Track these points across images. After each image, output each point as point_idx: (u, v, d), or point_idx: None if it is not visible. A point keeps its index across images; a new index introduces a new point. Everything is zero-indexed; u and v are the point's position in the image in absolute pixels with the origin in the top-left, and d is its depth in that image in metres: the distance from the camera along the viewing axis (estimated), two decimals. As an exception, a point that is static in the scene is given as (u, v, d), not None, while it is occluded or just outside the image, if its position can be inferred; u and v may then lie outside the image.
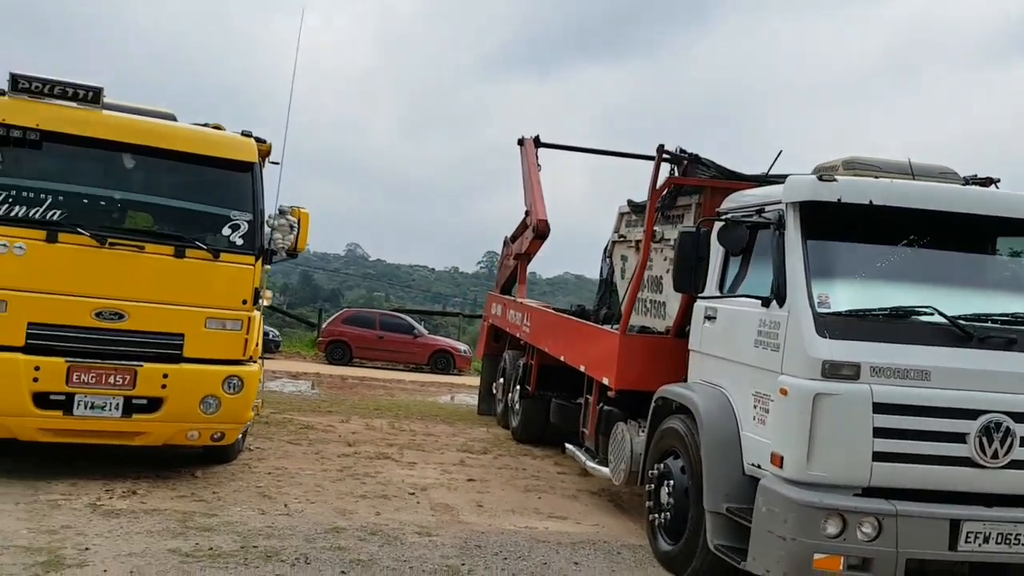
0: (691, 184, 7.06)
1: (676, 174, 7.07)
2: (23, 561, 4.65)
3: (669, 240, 7.26)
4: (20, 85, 6.16)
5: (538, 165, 11.34)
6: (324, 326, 21.84)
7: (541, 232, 10.53)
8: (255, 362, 6.94)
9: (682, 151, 7.01)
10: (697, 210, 6.95)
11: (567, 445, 8.25)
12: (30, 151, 6.18)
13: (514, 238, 11.94)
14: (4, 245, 6.00)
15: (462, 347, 21.73)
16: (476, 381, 19.06)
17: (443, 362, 21.08)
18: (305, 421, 10.20)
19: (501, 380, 11.57)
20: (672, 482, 5.74)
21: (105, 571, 4.64)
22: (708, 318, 5.83)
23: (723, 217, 5.86)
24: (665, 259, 7.41)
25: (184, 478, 6.81)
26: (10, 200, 6.09)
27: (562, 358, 8.39)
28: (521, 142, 11.74)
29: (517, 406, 10.43)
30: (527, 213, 11.40)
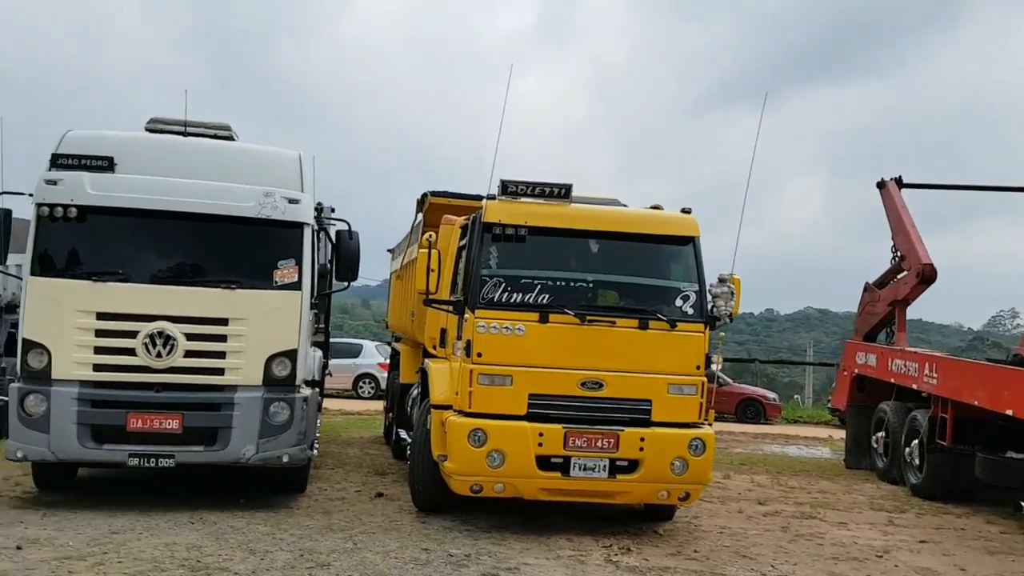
0: None
1: None
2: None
3: None
4: (508, 189, 7.14)
5: (905, 206, 10.98)
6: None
7: (927, 277, 10.15)
8: (710, 425, 7.31)
9: None
10: None
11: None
12: (519, 245, 7.11)
13: (881, 284, 11.57)
14: (508, 328, 6.92)
15: (771, 395, 21.17)
16: (790, 431, 18.50)
17: (752, 411, 20.65)
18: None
19: (882, 433, 11.13)
20: None
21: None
22: None
23: None
24: None
25: (651, 535, 7.29)
26: (508, 289, 7.03)
27: (1010, 412, 7.90)
28: (882, 185, 11.44)
29: (917, 461, 9.95)
30: (899, 257, 11.01)
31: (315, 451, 8.40)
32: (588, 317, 6.97)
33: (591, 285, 7.35)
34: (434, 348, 8.13)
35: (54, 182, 7.05)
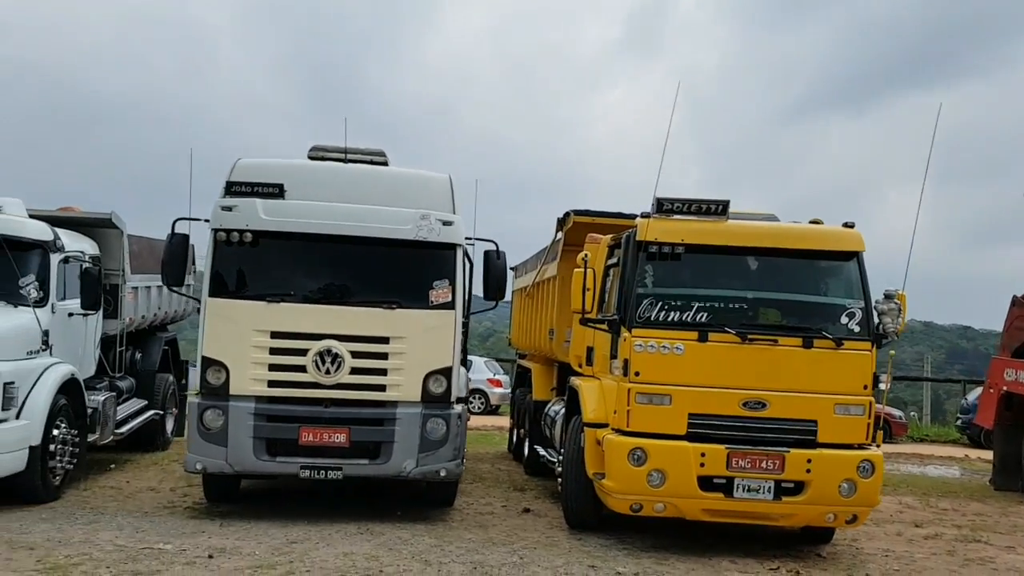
0: None
1: None
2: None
3: None
4: (664, 207, 7.14)
5: None
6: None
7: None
8: (878, 446, 7.09)
9: None
10: None
11: None
12: (676, 263, 7.09)
13: (1033, 298, 10.98)
14: (666, 347, 6.91)
15: (897, 413, 20.31)
16: (921, 449, 17.65)
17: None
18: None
19: (1041, 454, 10.53)
20: None
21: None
22: None
23: None
24: None
25: (814, 558, 7.11)
26: (665, 307, 7.02)
27: None
28: None
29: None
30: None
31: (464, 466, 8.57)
32: (749, 336, 6.88)
33: (751, 303, 7.25)
34: (580, 366, 8.17)
35: (229, 208, 7.47)
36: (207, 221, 7.68)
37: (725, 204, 7.12)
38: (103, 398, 8.96)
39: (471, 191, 10.42)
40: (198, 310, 7.79)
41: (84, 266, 8.52)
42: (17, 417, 7.31)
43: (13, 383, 7.23)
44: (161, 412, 11.19)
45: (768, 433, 6.83)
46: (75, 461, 8.17)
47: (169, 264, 7.68)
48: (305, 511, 7.70)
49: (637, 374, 6.88)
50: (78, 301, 8.43)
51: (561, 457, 8.30)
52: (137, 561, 5.96)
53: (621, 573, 6.27)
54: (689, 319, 6.96)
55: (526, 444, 10.81)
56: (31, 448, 7.38)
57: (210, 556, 6.15)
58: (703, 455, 6.75)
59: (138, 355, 10.87)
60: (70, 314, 8.42)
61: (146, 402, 10.74)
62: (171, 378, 11.74)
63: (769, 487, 6.77)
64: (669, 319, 6.98)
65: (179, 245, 7.71)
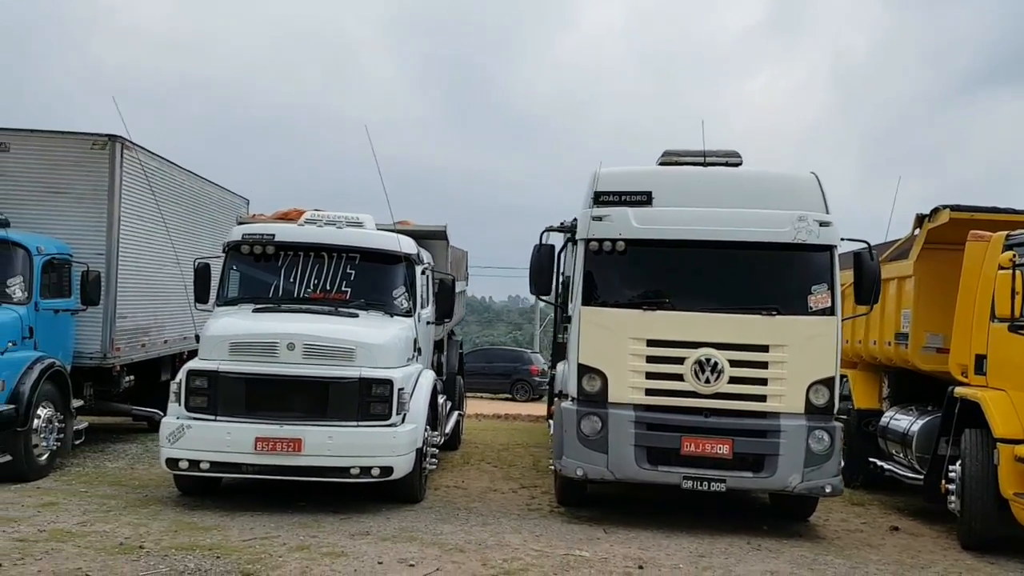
0: None
1: None
2: None
3: None
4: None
5: None
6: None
7: None
8: None
9: None
10: None
11: None
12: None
13: None
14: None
15: None
16: None
17: None
18: None
19: None
20: None
21: None
22: None
23: None
24: None
25: None
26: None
27: None
28: None
29: None
30: None
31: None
32: None
33: None
34: (963, 375, 7.58)
35: (600, 218, 7.48)
36: (565, 229, 7.78)
37: None
38: (442, 400, 9.30)
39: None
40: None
41: (441, 278, 8.86)
42: (402, 422, 7.65)
43: (404, 389, 7.58)
44: (461, 413, 11.56)
45: None
46: (435, 462, 8.49)
47: (538, 273, 7.81)
48: (671, 519, 7.59)
49: None
50: (430, 310, 8.77)
51: (916, 472, 7.76)
52: (573, 569, 6.01)
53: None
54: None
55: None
56: (416, 451, 7.71)
57: (640, 567, 6.12)
58: None
59: (443, 358, 11.28)
60: (428, 323, 8.78)
61: (451, 403, 11.12)
62: (462, 380, 12.13)
63: None
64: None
65: (546, 255, 7.82)
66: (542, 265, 7.79)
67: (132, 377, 10.83)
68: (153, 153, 10.71)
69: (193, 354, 12.30)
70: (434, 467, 8.42)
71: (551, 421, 10.12)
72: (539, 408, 20.74)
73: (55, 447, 8.65)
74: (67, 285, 9.27)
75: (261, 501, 7.62)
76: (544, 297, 8.06)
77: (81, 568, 5.51)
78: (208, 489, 7.93)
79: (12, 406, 7.95)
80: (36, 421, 8.24)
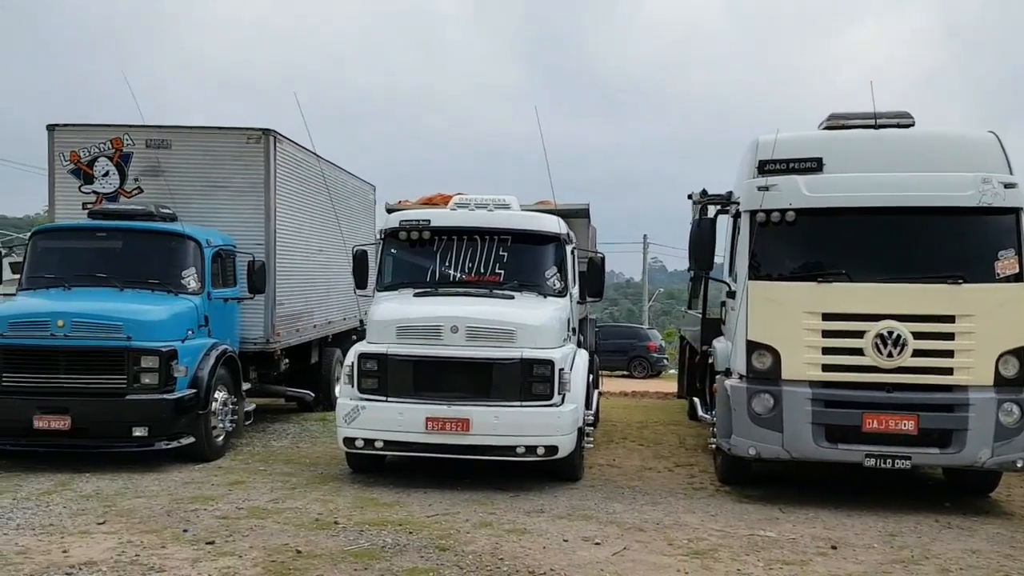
0: None
1: None
2: None
3: None
4: None
5: None
6: None
7: None
8: None
9: None
10: None
11: None
12: None
13: None
14: None
15: None
16: None
17: None
18: None
19: None
20: None
21: None
22: None
23: None
24: None
25: None
26: None
27: None
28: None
29: None
30: None
31: None
32: None
33: None
34: None
35: (767, 188, 7.23)
36: (726, 204, 7.55)
37: None
38: (590, 379, 9.28)
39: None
40: None
41: (591, 256, 8.83)
42: (563, 402, 7.68)
43: (564, 369, 7.60)
44: (600, 391, 11.55)
45: None
46: (592, 441, 8.51)
47: (698, 247, 7.65)
48: (846, 498, 7.35)
49: None
50: (576, 289, 8.75)
51: None
52: (764, 550, 5.90)
53: None
54: None
55: None
56: (578, 430, 7.74)
57: (833, 547, 5.96)
58: None
59: (581, 336, 11.26)
60: (578, 302, 8.78)
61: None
62: (597, 359, 12.10)
63: None
64: None
65: (707, 228, 7.65)
66: (703, 239, 7.62)
67: (287, 360, 11.35)
68: (300, 145, 11.08)
69: (337, 338, 12.98)
70: (591, 446, 8.43)
71: (696, 399, 9.99)
72: (660, 385, 20.55)
73: (230, 428, 9.16)
74: (232, 275, 9.75)
75: (428, 479, 7.83)
76: (704, 272, 7.88)
77: (288, 544, 5.81)
78: (375, 467, 8.22)
79: (194, 390, 8.44)
80: (214, 404, 8.72)
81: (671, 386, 18.16)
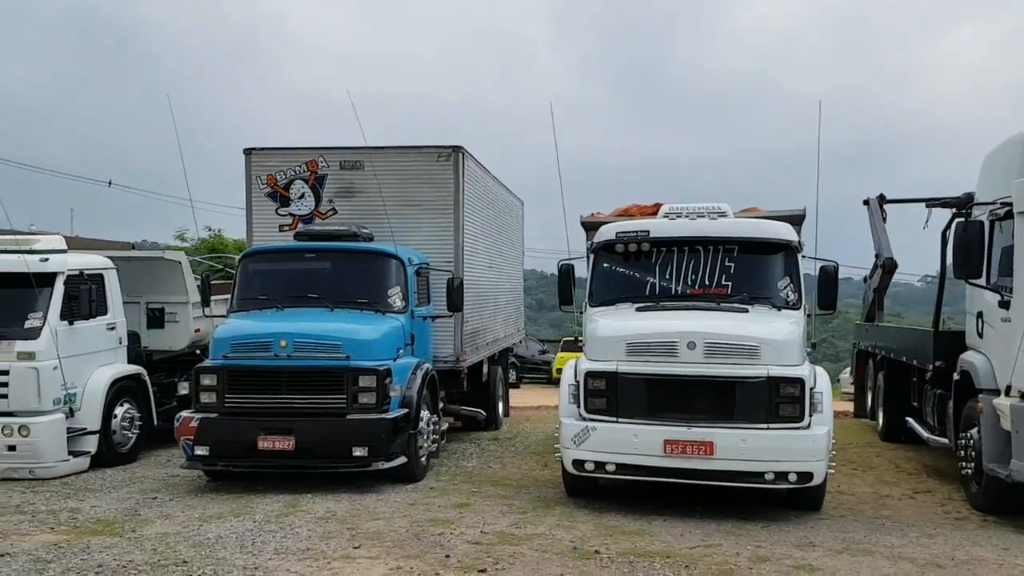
0: None
1: None
2: None
3: None
4: None
5: None
6: None
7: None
8: None
9: None
10: None
11: None
12: None
13: None
14: None
15: None
16: None
17: None
18: None
19: None
20: None
21: None
22: None
23: None
24: None
25: None
26: None
27: None
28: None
29: None
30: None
31: None
32: None
33: None
34: None
35: None
36: (962, 207, 6.89)
37: None
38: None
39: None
40: None
41: (823, 265, 8.25)
42: (811, 424, 7.09)
43: (814, 388, 7.01)
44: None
45: None
46: (834, 466, 7.87)
47: (967, 252, 7.00)
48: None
49: None
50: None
51: None
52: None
53: None
54: None
55: None
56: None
57: None
58: None
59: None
60: (808, 315, 8.20)
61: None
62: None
63: None
64: None
65: (976, 233, 7.00)
66: (970, 244, 6.94)
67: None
68: (478, 161, 10.94)
69: (500, 355, 12.73)
70: (832, 472, 7.80)
71: (911, 420, 9.19)
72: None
73: (433, 448, 8.97)
74: (427, 293, 9.62)
75: (649, 504, 7.39)
76: (973, 281, 7.17)
77: (563, 574, 5.47)
78: (590, 490, 7.84)
79: (406, 410, 8.28)
80: (420, 424, 8.55)
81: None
